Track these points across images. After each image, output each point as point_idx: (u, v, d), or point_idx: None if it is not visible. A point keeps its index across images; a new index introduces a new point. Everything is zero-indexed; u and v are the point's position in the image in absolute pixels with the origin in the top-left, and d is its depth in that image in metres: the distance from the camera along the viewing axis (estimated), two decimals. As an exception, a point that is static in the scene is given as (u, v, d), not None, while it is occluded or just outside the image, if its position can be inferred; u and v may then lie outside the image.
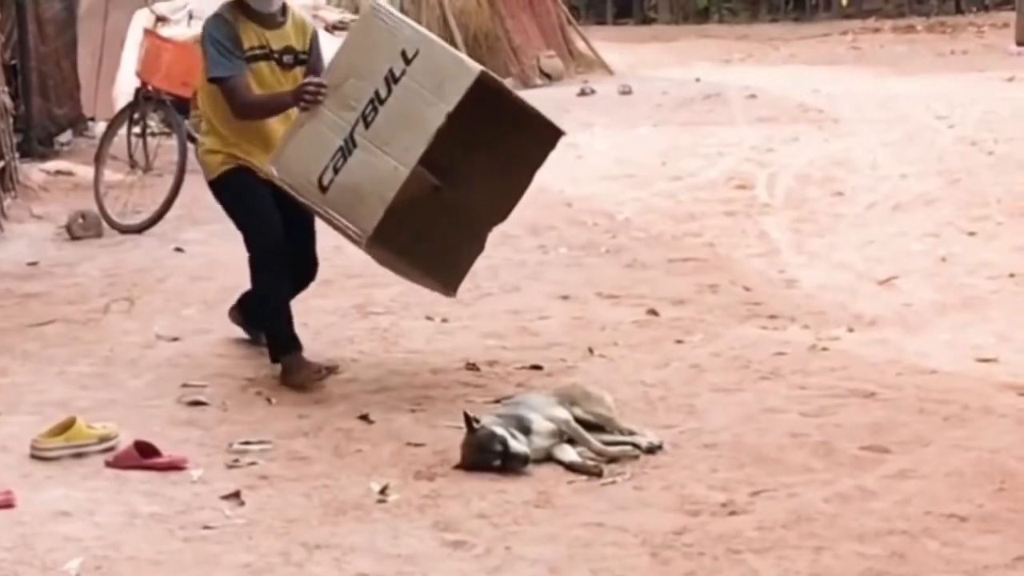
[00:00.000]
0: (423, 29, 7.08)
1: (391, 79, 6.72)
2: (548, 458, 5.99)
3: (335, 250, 9.03)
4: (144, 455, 6.02)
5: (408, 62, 6.69)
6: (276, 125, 7.28)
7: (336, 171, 6.74)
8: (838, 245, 10.06)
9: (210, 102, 7.35)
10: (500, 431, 5.92)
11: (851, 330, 8.01)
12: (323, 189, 6.76)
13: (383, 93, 6.72)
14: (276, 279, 7.29)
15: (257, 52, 7.27)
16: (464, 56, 7.01)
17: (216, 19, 7.30)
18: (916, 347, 7.66)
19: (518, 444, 5.91)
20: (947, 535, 5.20)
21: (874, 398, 6.77)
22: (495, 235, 10.27)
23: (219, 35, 7.20)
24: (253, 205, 7.28)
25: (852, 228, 10.52)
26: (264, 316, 7.43)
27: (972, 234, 10.07)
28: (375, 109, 6.72)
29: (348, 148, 6.74)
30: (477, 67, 6.69)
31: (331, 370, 7.14)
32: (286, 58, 7.35)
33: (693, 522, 5.38)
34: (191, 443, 6.33)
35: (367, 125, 6.73)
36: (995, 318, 8.18)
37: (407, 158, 6.60)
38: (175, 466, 5.99)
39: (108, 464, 6.01)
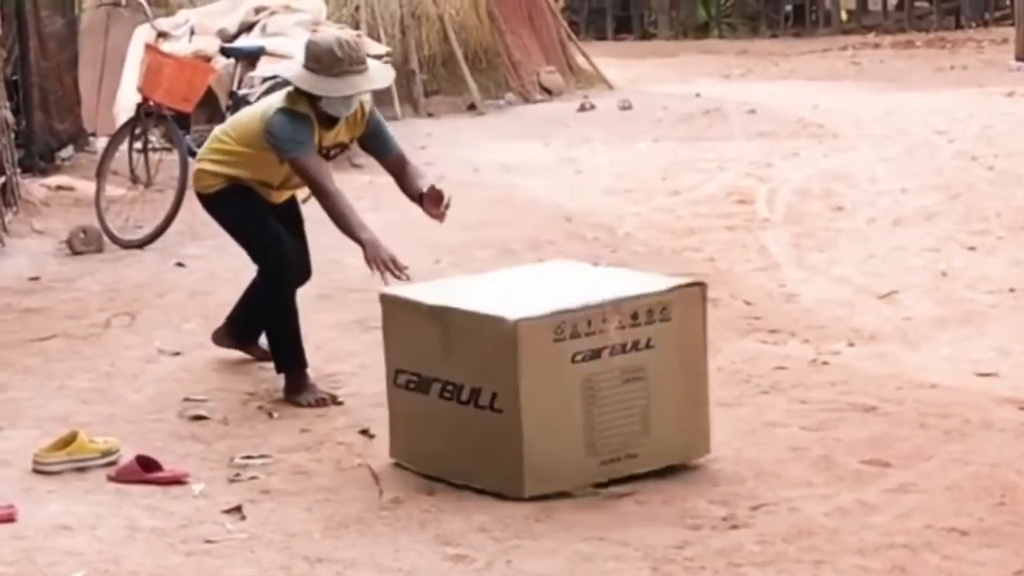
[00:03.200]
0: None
1: None
2: None
3: (333, 264, 9.04)
4: (146, 469, 6.03)
5: None
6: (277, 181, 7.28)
7: None
8: (838, 260, 10.07)
9: (270, 165, 7.17)
10: None
11: (851, 344, 8.02)
12: None
13: None
14: (292, 293, 7.31)
15: (333, 152, 7.28)
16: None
17: (296, 117, 6.97)
18: (916, 361, 7.67)
19: None
20: (948, 549, 5.21)
21: (874, 412, 6.78)
22: (495, 249, 10.35)
23: (293, 125, 6.94)
24: (263, 219, 7.27)
25: (852, 243, 10.53)
26: (276, 329, 7.39)
27: (972, 249, 10.07)
28: None
29: None
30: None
31: (333, 399, 7.14)
32: (332, 152, 7.29)
33: (694, 536, 5.38)
34: (192, 457, 6.33)
35: None
36: (995, 332, 8.19)
37: None
38: (177, 480, 6.00)
39: (110, 479, 6.02)
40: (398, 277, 6.71)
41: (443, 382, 5.98)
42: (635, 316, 5.88)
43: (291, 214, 7.49)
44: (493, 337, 5.79)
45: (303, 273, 7.55)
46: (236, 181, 7.27)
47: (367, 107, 7.32)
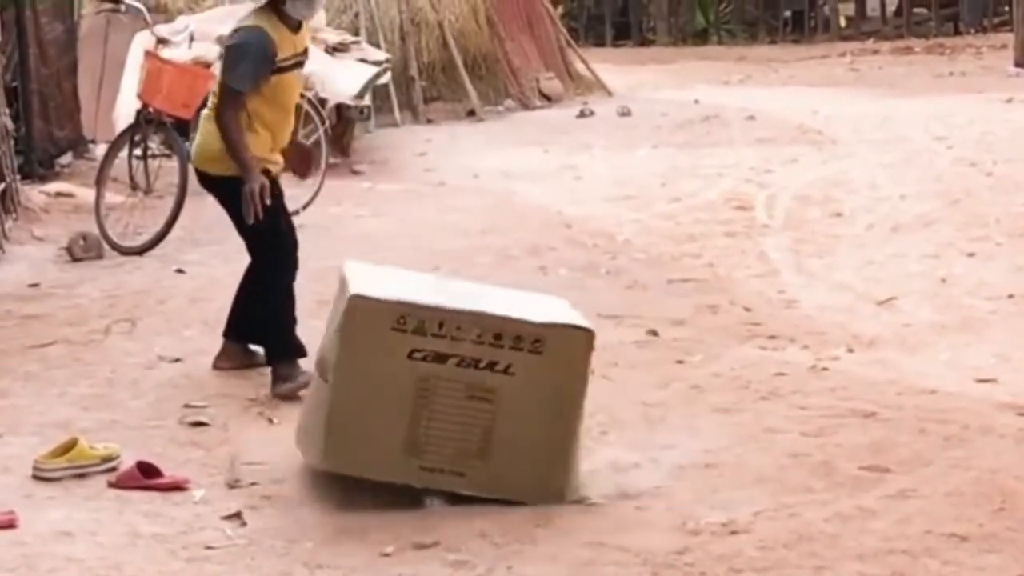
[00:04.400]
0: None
1: None
2: None
3: (332, 271, 9.02)
4: (146, 475, 6.04)
5: None
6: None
7: None
8: (837, 266, 10.07)
9: (258, 104, 7.43)
10: None
11: (851, 350, 8.02)
12: None
13: None
14: (290, 285, 7.48)
15: (291, 61, 7.48)
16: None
17: (259, 32, 7.37)
18: (915, 367, 7.68)
19: None
20: (947, 554, 5.22)
21: (874, 418, 6.78)
22: (494, 256, 10.35)
23: (259, 52, 7.32)
24: (277, 209, 7.47)
25: (851, 249, 10.53)
26: (274, 317, 7.48)
27: (971, 255, 10.08)
28: None
29: None
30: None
31: None
32: (294, 62, 7.59)
33: (694, 542, 5.39)
34: (193, 463, 6.34)
35: None
36: (994, 338, 8.19)
37: None
38: (177, 486, 6.01)
39: (111, 484, 6.02)
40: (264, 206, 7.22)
41: (319, 356, 6.11)
42: (498, 337, 5.69)
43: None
44: (340, 310, 5.85)
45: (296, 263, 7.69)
46: (265, 163, 7.44)
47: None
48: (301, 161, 8.23)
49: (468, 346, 5.67)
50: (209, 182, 7.67)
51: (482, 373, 5.69)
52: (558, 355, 5.71)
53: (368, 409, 5.73)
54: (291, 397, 7.13)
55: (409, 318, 5.66)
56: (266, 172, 7.43)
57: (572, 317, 5.93)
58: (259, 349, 7.65)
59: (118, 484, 6.03)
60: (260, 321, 7.57)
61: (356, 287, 5.81)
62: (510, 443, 5.72)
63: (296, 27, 7.54)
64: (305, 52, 7.66)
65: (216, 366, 7.77)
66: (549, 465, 5.78)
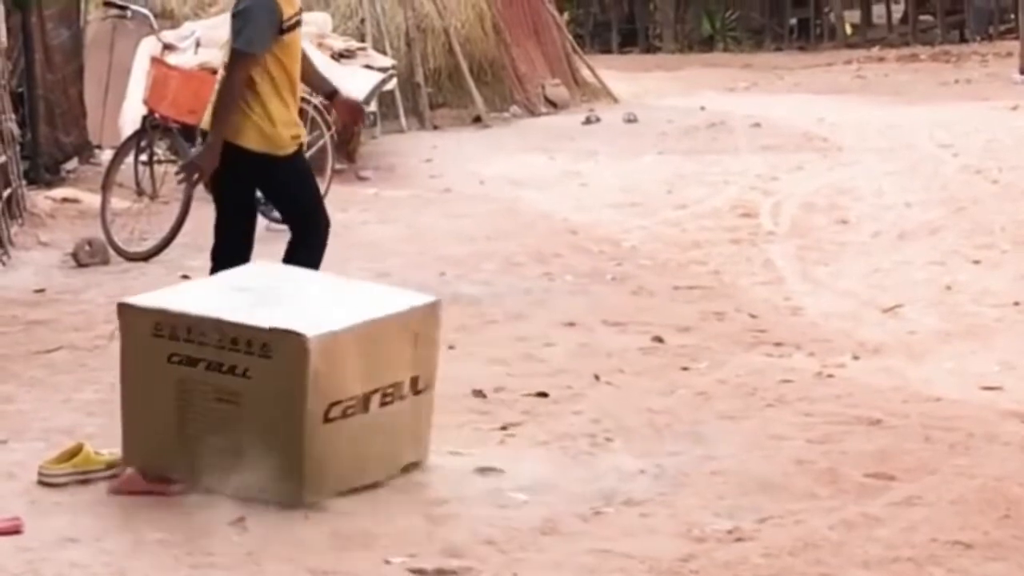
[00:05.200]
0: None
1: None
2: None
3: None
4: (148, 479, 6.02)
5: None
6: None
7: None
8: (843, 273, 10.08)
9: (276, 69, 7.61)
10: None
11: (856, 358, 8.02)
12: None
13: None
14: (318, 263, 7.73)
15: (294, 21, 7.67)
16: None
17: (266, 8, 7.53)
18: (921, 375, 7.67)
19: None
20: (952, 562, 5.21)
21: (879, 425, 6.78)
22: (500, 263, 10.35)
23: (266, 15, 7.49)
24: (314, 187, 7.97)
25: (857, 256, 10.53)
26: None
27: (977, 262, 10.08)
28: None
29: None
30: None
31: None
32: (294, 23, 7.74)
33: (699, 549, 5.38)
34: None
35: None
36: (999, 346, 8.19)
37: None
38: (171, 491, 5.93)
39: (112, 490, 5.99)
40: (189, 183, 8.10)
41: None
42: (235, 342, 5.85)
43: None
44: None
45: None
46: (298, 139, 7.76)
47: None
48: (351, 113, 8.56)
49: (212, 351, 5.89)
50: (239, 164, 7.62)
51: (226, 377, 5.88)
52: (284, 360, 5.80)
53: (148, 410, 6.05)
54: None
55: (164, 325, 5.97)
56: (298, 142, 7.77)
57: (323, 321, 5.96)
58: None
59: (120, 489, 5.97)
60: None
61: (137, 298, 6.31)
62: (256, 446, 5.82)
63: None
64: (300, 11, 7.79)
65: None
66: (288, 470, 5.84)
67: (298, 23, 7.72)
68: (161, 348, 5.94)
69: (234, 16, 7.60)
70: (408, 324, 6.19)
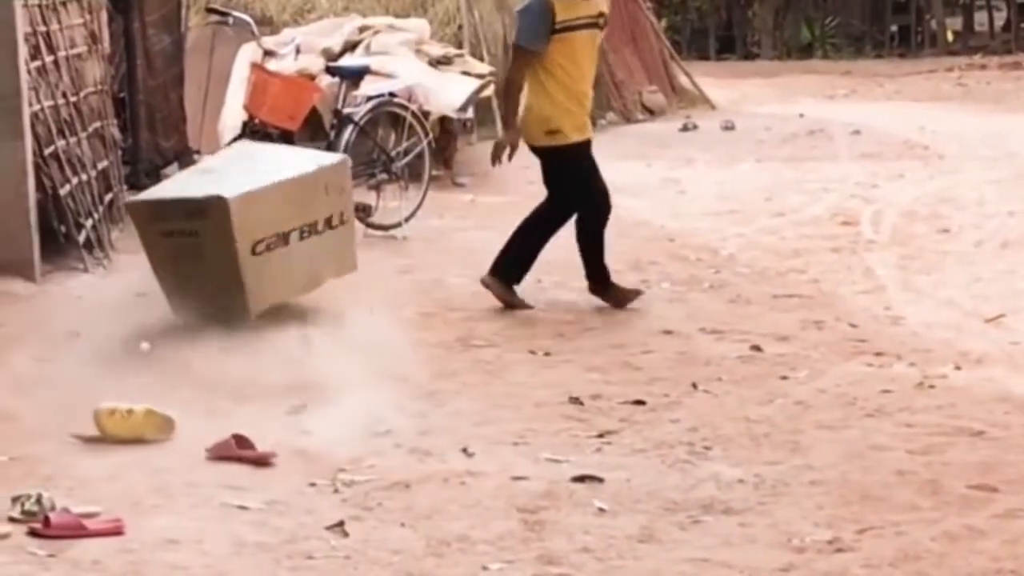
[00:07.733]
0: None
1: None
2: None
3: (435, 284, 9.07)
4: (241, 447, 6.41)
5: None
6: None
7: None
8: (945, 282, 9.98)
9: (550, 60, 8.82)
10: None
11: (958, 368, 7.93)
12: None
13: None
14: (600, 231, 9.16)
15: (580, 22, 8.83)
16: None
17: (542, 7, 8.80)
18: (1025, 386, 7.58)
19: None
20: (1058, 576, 5.14)
21: (982, 436, 6.70)
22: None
23: (536, 14, 8.77)
24: (597, 175, 9.08)
25: (959, 265, 10.43)
26: (525, 248, 9.18)
27: (1080, 272, 9.96)
28: None
29: None
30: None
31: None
32: (601, 21, 9.02)
33: (799, 559, 5.34)
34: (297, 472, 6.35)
35: None
36: (1105, 357, 8.08)
37: None
38: (263, 460, 6.37)
39: (208, 452, 6.41)
40: (499, 162, 9.18)
41: None
42: (188, 212, 7.98)
43: None
44: None
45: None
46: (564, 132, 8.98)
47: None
48: None
49: (177, 223, 8.03)
50: (535, 152, 9.19)
51: (190, 238, 8.00)
52: (214, 216, 7.87)
53: (160, 271, 8.18)
54: (497, 297, 9.04)
55: (152, 211, 8.27)
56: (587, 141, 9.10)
57: (244, 185, 7.98)
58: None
59: (214, 453, 6.41)
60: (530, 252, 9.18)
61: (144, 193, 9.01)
62: (212, 276, 7.93)
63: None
64: (600, 15, 8.95)
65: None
66: (232, 290, 7.89)
67: (589, 25, 8.86)
68: (156, 228, 8.14)
69: (517, 13, 9.14)
70: (318, 178, 8.21)
